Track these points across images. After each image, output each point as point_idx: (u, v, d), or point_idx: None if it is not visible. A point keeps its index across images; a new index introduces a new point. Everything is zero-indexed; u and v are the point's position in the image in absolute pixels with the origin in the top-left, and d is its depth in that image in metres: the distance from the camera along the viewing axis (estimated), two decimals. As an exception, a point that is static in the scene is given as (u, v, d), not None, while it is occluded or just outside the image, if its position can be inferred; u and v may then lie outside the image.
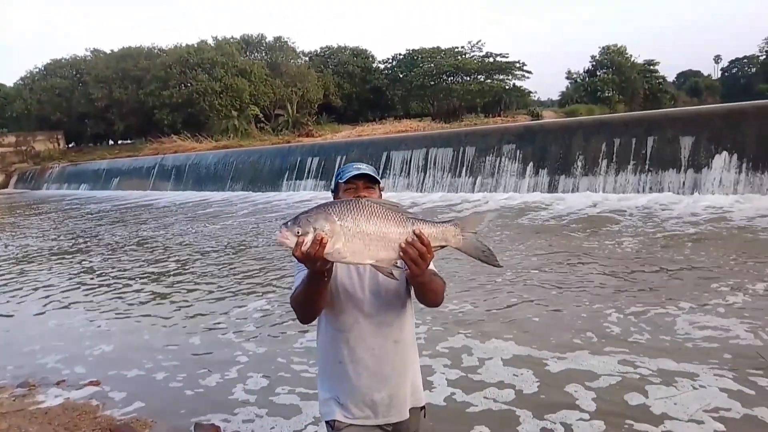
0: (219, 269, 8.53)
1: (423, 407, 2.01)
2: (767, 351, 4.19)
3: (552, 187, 13.51)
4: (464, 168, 15.66)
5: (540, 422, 3.45)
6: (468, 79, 58.10)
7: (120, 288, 7.84)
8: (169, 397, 4.26)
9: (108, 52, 53.02)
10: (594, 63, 67.63)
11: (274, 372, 4.53)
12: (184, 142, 39.05)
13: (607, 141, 12.96)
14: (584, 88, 66.00)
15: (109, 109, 48.43)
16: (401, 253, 1.61)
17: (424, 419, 2.04)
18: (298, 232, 1.54)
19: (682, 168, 11.55)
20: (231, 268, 8.52)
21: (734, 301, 5.32)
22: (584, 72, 68.92)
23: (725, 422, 3.30)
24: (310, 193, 19.24)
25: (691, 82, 74.64)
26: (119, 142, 53.99)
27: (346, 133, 37.92)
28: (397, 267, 1.64)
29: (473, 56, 58.91)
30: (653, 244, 7.94)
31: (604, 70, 66.08)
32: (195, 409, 3.99)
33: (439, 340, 4.93)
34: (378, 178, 1.92)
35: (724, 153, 11.08)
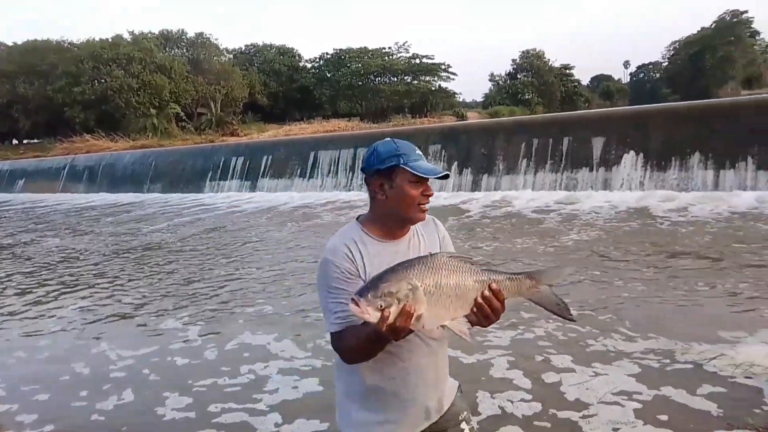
0: (128, 275, 8.09)
1: (459, 385, 1.92)
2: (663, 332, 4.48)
3: (476, 186, 13.88)
4: (391, 168, 15.74)
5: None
6: (395, 79, 58.74)
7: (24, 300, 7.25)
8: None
9: (10, 44, 49.17)
10: (515, 66, 70.28)
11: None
12: (98, 142, 36.86)
13: (526, 141, 13.48)
14: (506, 91, 68.42)
15: (12, 105, 44.89)
16: (474, 309, 1.47)
17: (463, 394, 1.94)
18: (381, 306, 1.35)
19: (595, 166, 12.21)
20: (147, 277, 8.11)
21: (636, 278, 5.67)
22: (506, 75, 71.47)
23: (636, 403, 3.50)
24: (235, 194, 18.70)
25: (603, 86, 79.29)
26: (25, 141, 50.14)
27: (272, 133, 37.26)
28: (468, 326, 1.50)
29: (400, 57, 59.64)
30: (579, 237, 8.34)
31: (524, 74, 68.81)
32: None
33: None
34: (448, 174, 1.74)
35: (632, 152, 11.81)
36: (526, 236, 8.78)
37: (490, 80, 73.33)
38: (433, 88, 60.44)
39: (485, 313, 1.46)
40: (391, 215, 1.66)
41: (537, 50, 68.90)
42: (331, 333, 1.60)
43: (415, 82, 59.21)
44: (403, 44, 60.00)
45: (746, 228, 8.22)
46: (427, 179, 1.63)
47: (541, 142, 13.19)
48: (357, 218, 1.74)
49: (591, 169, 12.24)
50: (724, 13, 30.26)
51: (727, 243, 7.50)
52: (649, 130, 12.06)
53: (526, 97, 66.02)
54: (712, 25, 30.35)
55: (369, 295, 1.36)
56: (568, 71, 71.06)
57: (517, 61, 69.90)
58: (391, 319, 1.35)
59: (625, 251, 7.42)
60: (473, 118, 49.01)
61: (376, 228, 1.67)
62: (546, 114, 29.81)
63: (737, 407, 3.40)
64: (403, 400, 1.69)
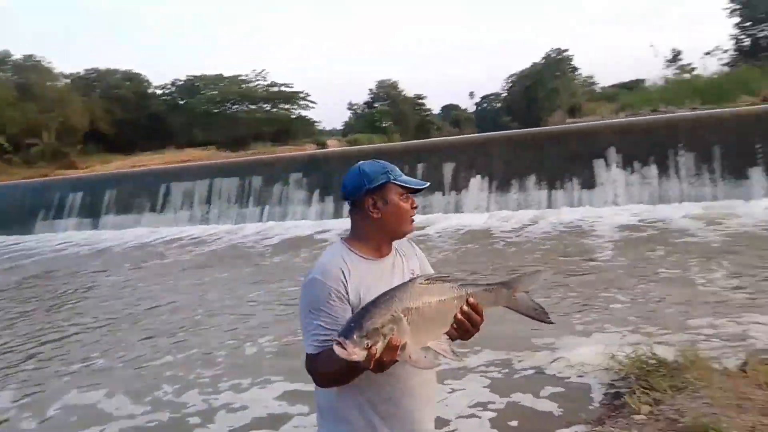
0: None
1: None
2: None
3: (338, 214, 14.02)
4: (251, 198, 15.37)
5: None
6: (254, 107, 57.79)
7: None
8: None
9: None
10: (372, 96, 72.99)
11: None
12: None
13: (383, 168, 13.93)
14: (364, 119, 70.66)
15: None
16: (455, 325, 1.48)
17: None
18: (368, 345, 1.31)
19: (446, 190, 12.99)
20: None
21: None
22: (364, 104, 73.90)
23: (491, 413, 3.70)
24: (75, 234, 16.81)
25: (453, 115, 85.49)
26: None
27: (118, 164, 34.44)
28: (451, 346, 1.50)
29: (258, 85, 58.91)
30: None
31: (381, 103, 71.76)
32: None
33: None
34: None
35: (479, 176, 12.78)
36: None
37: (349, 109, 75.34)
38: (293, 116, 60.45)
39: (465, 328, 1.48)
40: (385, 231, 1.67)
41: (392, 80, 72.31)
42: (308, 354, 1.56)
43: (275, 110, 58.81)
44: (261, 72, 59.37)
45: (571, 242, 9.23)
46: (414, 192, 1.69)
47: (398, 168, 13.72)
48: (342, 239, 1.73)
49: (443, 193, 13.00)
50: (551, 50, 34.46)
51: (554, 257, 8.39)
52: (493, 155, 13.17)
53: (384, 125, 68.71)
54: (541, 60, 34.34)
55: (354, 336, 1.32)
56: (420, 101, 75.49)
57: (374, 90, 72.73)
58: (377, 355, 1.32)
59: (470, 272, 7.93)
60: (333, 146, 49.75)
61: (364, 247, 1.67)
62: (403, 142, 31.27)
63: (573, 405, 3.75)
64: (402, 421, 1.63)
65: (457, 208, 12.68)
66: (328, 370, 1.50)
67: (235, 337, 5.94)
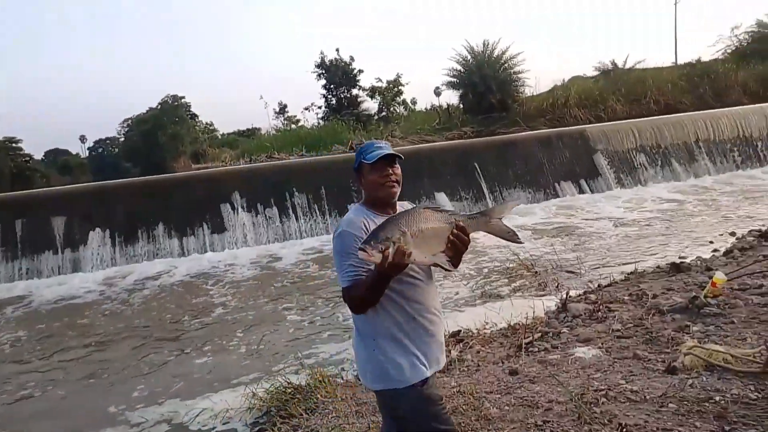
0: None
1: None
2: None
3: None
4: None
5: None
6: None
7: None
8: None
9: None
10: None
11: None
12: None
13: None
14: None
15: None
16: (449, 245, 1.97)
17: None
18: (382, 248, 1.84)
19: (59, 248, 11.26)
20: None
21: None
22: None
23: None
24: None
25: (62, 161, 74.88)
26: None
27: None
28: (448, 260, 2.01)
29: None
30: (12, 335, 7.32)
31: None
32: None
33: None
34: (401, 156, 2.18)
35: (98, 229, 11.51)
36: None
37: None
38: None
39: (457, 246, 1.98)
40: (372, 197, 2.20)
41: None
42: (343, 288, 2.06)
43: None
44: None
45: (197, 291, 8.97)
46: (382, 164, 2.14)
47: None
48: (359, 203, 2.25)
49: (55, 252, 11.22)
50: (167, 96, 33.93)
51: (178, 306, 8.23)
52: (114, 204, 12.10)
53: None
54: (158, 106, 33.55)
55: (372, 242, 1.86)
56: (14, 145, 63.68)
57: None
58: (390, 258, 1.83)
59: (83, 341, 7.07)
60: None
61: (373, 207, 2.19)
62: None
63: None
64: (428, 337, 2.14)
65: (76, 267, 11.10)
66: (359, 294, 2.02)
67: None
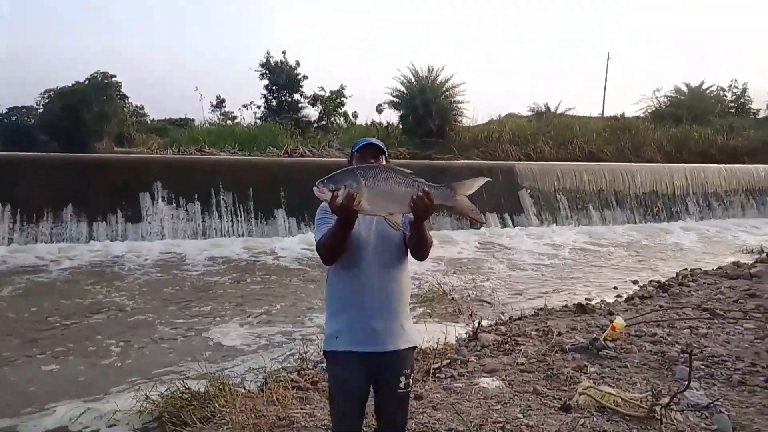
0: None
1: (415, 347, 2.49)
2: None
3: None
4: None
5: None
6: None
7: None
8: None
9: None
10: None
11: None
12: None
13: None
14: None
15: None
16: (411, 206, 2.08)
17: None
18: (333, 188, 2.02)
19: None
20: None
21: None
22: None
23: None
24: None
25: (-31, 126, 69.01)
26: None
27: None
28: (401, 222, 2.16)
29: None
30: None
31: None
32: None
33: None
34: (384, 149, 2.44)
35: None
36: None
37: None
38: None
39: (418, 208, 2.07)
40: None
41: None
42: (317, 242, 2.31)
43: None
44: None
45: (97, 281, 8.48)
46: (367, 154, 2.42)
47: None
48: None
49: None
50: (96, 73, 31.92)
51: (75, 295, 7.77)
52: (21, 178, 11.19)
53: None
54: (85, 81, 31.52)
55: (326, 180, 2.07)
56: None
57: None
58: (339, 200, 2.02)
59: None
60: None
61: None
62: None
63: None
64: (355, 313, 2.30)
65: (-33, 243, 10.13)
66: (324, 241, 2.24)
67: None
